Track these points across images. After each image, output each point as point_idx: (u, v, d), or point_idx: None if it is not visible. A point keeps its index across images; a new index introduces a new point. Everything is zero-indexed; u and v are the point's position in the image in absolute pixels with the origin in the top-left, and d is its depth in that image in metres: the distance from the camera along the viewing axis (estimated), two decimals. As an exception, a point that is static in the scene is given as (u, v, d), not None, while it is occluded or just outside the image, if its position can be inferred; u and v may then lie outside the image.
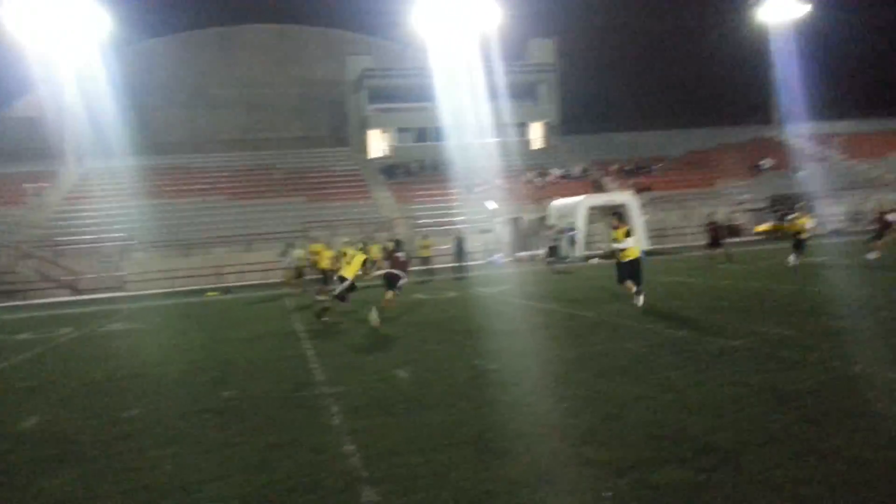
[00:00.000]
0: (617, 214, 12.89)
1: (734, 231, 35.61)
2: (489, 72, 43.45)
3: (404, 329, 11.49)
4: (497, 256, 30.57)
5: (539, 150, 47.66)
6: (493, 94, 43.75)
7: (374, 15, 54.75)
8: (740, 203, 37.77)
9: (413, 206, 37.09)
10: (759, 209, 36.82)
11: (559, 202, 31.28)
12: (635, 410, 5.46)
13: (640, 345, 8.24)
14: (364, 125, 46.96)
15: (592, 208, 28.99)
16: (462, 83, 43.05)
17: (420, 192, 38.88)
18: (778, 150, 46.30)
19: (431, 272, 23.69)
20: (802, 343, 7.59)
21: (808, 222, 17.77)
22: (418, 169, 42.59)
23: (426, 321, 12.47)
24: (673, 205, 36.91)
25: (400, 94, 46.54)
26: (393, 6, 44.24)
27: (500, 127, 44.95)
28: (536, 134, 48.96)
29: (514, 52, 48.06)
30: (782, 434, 4.61)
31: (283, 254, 22.58)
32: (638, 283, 11.62)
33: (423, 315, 13.50)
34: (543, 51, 49.85)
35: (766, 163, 43.00)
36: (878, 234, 18.20)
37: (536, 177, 40.97)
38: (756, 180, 41.54)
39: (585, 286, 16.94)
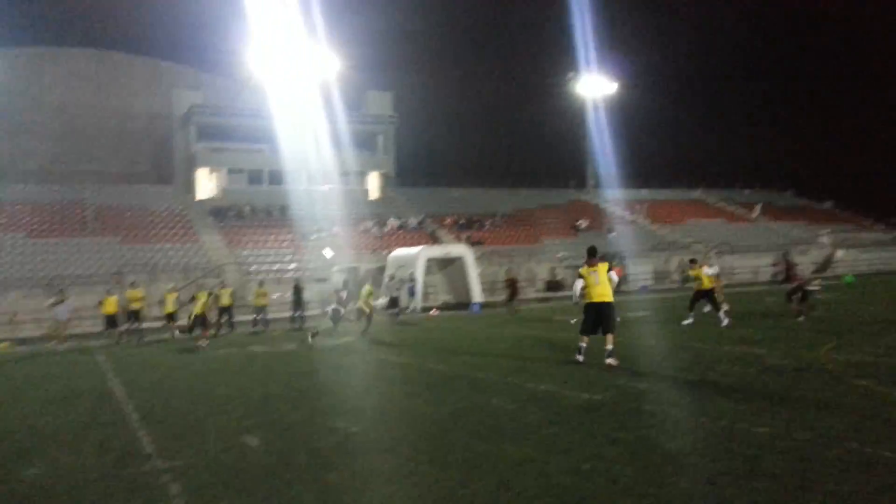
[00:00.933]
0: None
1: (556, 285, 37.97)
2: (327, 119, 43.06)
3: (244, 386, 10.38)
4: (333, 306, 29.57)
5: (376, 200, 47.66)
6: (332, 142, 43.36)
7: (207, 50, 52.63)
8: (561, 259, 40.21)
9: (245, 252, 35.09)
10: (579, 265, 39.43)
11: (398, 252, 31.18)
12: (529, 476, 5.10)
13: (507, 400, 8.00)
14: (191, 163, 44.12)
15: (430, 259, 29.21)
16: (299, 128, 42.19)
17: (252, 237, 36.96)
18: (593, 212, 50.32)
19: (266, 322, 22.28)
20: (662, 397, 7.78)
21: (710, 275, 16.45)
22: (251, 213, 40.63)
23: (269, 377, 11.42)
24: (503, 259, 38.37)
25: (233, 133, 44.55)
26: (227, 43, 42.67)
27: (337, 175, 44.50)
28: (374, 184, 49.04)
29: (353, 102, 48.21)
30: (686, 498, 4.49)
31: (56, 303, 19.84)
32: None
33: (265, 370, 12.39)
34: (381, 103, 50.53)
35: (583, 223, 46.41)
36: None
37: (374, 227, 40.78)
38: (575, 239, 44.60)
39: (430, 337, 16.71)
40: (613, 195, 53.92)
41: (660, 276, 40.51)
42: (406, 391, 9.25)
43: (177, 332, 20.46)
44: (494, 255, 38.39)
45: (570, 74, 53.67)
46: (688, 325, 15.47)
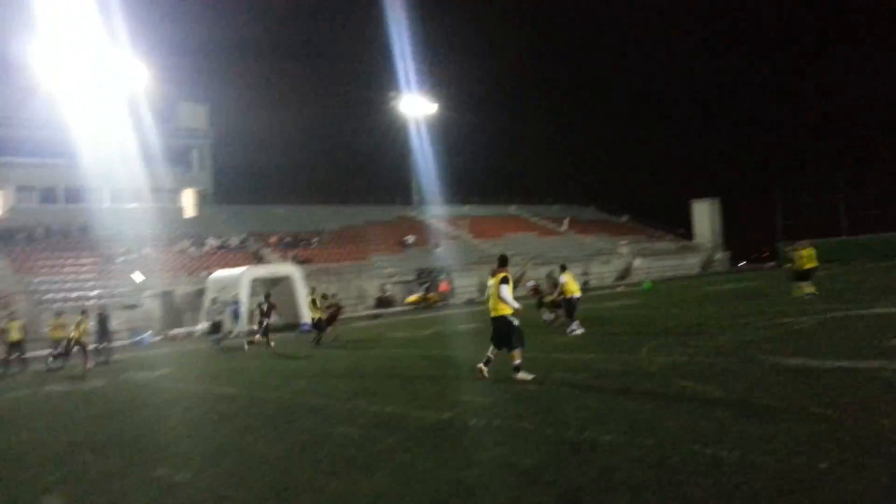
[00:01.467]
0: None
1: (386, 301, 37.94)
2: (134, 131, 39.67)
3: (43, 434, 8.91)
4: (146, 335, 27.04)
5: (192, 218, 44.61)
6: (139, 156, 39.98)
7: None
8: (391, 276, 40.32)
9: (37, 279, 30.94)
10: (408, 281, 39.73)
11: (219, 274, 29.26)
12: (388, 512, 4.74)
13: (353, 427, 7.56)
14: (-33, 180, 38.39)
15: (256, 280, 27.74)
16: (101, 141, 38.41)
17: (47, 262, 32.73)
18: (419, 228, 51.16)
19: (66, 356, 19.66)
20: (508, 410, 7.80)
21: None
22: (44, 234, 36.02)
23: (72, 421, 9.93)
24: (332, 276, 37.60)
25: (19, 147, 39.45)
26: (9, 48, 37.69)
27: (147, 192, 41.08)
28: (189, 202, 45.89)
29: (165, 114, 44.86)
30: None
31: None
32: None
33: (67, 413, 10.78)
34: (195, 116, 47.62)
35: (410, 239, 46.98)
36: (539, 303, 19.71)
37: (191, 247, 38.04)
38: (402, 255, 44.97)
39: (258, 365, 15.68)
40: (437, 211, 55.33)
41: (485, 288, 41.97)
42: (238, 427, 8.44)
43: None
44: (322, 273, 37.48)
45: (392, 94, 54.42)
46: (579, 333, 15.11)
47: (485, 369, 9.96)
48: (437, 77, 68.26)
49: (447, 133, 63.39)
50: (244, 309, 26.54)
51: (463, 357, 12.62)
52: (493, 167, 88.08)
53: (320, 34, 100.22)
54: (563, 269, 16.63)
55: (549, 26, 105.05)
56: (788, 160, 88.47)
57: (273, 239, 41.78)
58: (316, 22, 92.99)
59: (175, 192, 45.07)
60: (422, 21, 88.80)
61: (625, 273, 50.05)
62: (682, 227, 62.13)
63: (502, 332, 9.80)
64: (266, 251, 40.06)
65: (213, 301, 24.94)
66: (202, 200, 46.16)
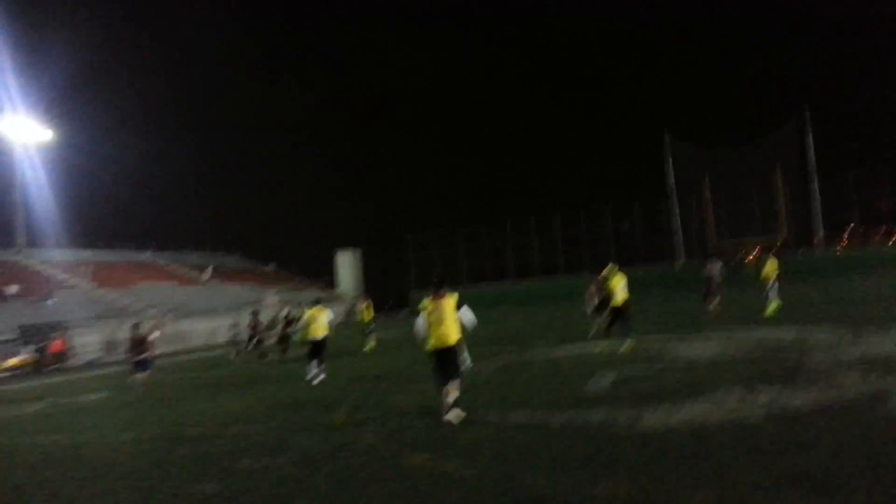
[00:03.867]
0: None
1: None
2: None
3: None
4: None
5: None
6: None
7: None
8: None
9: None
10: (8, 340, 32.03)
11: None
12: None
13: None
14: None
15: None
16: None
17: None
18: (24, 275, 42.28)
19: None
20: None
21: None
22: None
23: None
24: None
25: None
26: None
27: None
28: None
29: None
30: None
31: None
32: None
33: None
34: None
35: (13, 289, 38.40)
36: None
37: None
38: (1, 305, 36.39)
39: None
40: (50, 256, 46.73)
41: (111, 345, 36.11)
42: None
43: None
44: None
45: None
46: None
47: (455, 413, 8.17)
48: (55, 99, 58.13)
49: (69, 168, 54.55)
50: None
51: (97, 443, 9.72)
52: (124, 209, 78.90)
53: None
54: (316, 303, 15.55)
55: (185, 58, 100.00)
56: (418, 216, 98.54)
57: None
58: None
59: None
60: (40, 38, 76.35)
61: (273, 323, 48.43)
62: (326, 276, 63.31)
63: (453, 361, 8.25)
64: None
65: None
66: None
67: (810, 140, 48.02)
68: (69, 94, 68.98)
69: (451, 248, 59.83)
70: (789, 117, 49.58)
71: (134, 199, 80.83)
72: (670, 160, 52.55)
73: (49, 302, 37.02)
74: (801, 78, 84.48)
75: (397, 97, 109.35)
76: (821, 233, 47.77)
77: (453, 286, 9.80)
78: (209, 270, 54.70)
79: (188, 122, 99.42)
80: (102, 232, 57.09)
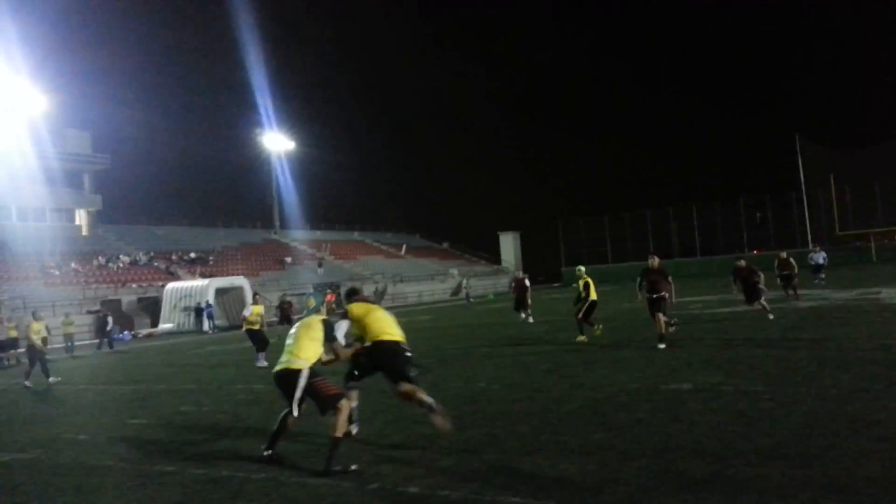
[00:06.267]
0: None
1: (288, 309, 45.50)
2: (31, 155, 43.39)
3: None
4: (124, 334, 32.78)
5: (87, 237, 48.14)
6: (39, 178, 43.68)
7: None
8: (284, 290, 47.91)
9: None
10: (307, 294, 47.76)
11: (176, 285, 35.61)
12: None
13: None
14: None
15: (218, 289, 34.75)
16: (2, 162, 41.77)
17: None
18: (285, 249, 58.80)
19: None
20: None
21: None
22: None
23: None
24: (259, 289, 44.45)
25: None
26: None
27: (48, 212, 44.60)
28: (83, 221, 49.34)
29: (55, 139, 47.96)
30: None
31: None
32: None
33: None
34: (81, 142, 50.94)
35: (289, 259, 54.79)
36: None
37: (107, 263, 42.56)
38: (286, 272, 52.54)
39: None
40: (297, 235, 63.40)
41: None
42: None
43: None
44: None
45: (258, 131, 61.73)
46: None
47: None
48: (295, 118, 78.43)
49: (303, 166, 72.01)
50: (215, 312, 33.69)
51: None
52: (335, 196, 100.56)
53: (202, 70, 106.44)
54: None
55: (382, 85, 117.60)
56: (570, 202, 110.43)
57: (174, 256, 47.24)
58: (198, 60, 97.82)
59: (71, 213, 48.31)
60: (281, 72, 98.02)
61: (457, 290, 62.40)
62: (491, 255, 76.65)
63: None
64: (174, 267, 45.60)
65: (175, 307, 32.17)
66: (93, 220, 49.76)
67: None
68: (305, 113, 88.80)
69: (598, 233, 70.95)
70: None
71: (345, 190, 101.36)
72: (800, 159, 60.48)
73: (319, 270, 52.83)
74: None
75: (551, 94, 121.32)
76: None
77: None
78: (405, 247, 69.58)
79: (378, 125, 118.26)
80: (322, 216, 74.55)
